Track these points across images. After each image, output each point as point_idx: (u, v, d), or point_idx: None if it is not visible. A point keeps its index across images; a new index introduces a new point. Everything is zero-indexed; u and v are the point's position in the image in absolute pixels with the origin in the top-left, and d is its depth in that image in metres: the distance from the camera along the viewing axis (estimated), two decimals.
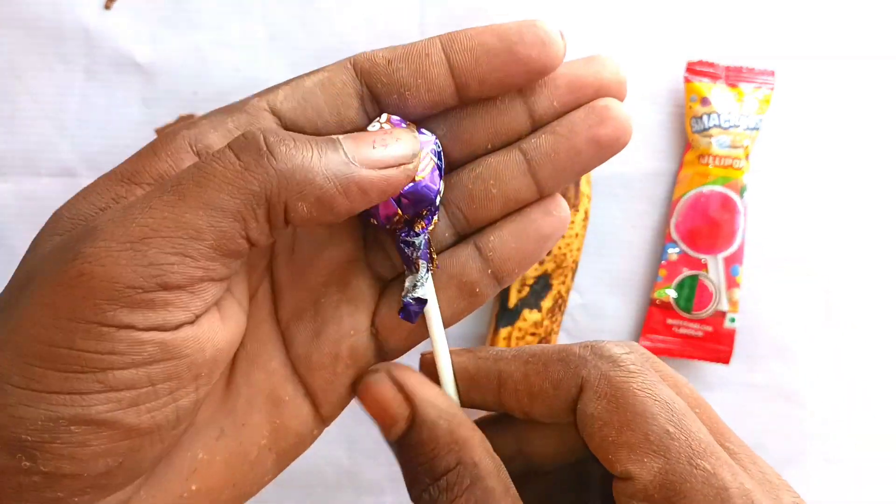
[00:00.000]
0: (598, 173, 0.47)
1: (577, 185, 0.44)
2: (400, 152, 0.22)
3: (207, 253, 0.20)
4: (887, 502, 0.48)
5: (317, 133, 0.23)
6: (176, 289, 0.20)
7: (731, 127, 0.46)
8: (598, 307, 0.47)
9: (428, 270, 0.25)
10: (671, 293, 0.46)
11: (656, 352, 0.46)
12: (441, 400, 0.23)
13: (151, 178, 0.22)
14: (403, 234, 0.25)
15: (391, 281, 0.27)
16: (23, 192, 0.47)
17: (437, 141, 0.25)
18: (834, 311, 0.48)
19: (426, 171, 0.23)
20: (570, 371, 0.23)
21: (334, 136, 0.21)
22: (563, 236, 0.45)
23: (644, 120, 0.48)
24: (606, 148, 0.24)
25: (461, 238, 0.26)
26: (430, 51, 0.23)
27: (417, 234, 0.24)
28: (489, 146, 0.25)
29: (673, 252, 0.46)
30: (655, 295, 0.46)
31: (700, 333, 0.46)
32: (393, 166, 0.22)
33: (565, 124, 0.24)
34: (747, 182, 0.46)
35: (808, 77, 0.48)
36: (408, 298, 0.25)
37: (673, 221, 0.47)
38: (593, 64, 0.24)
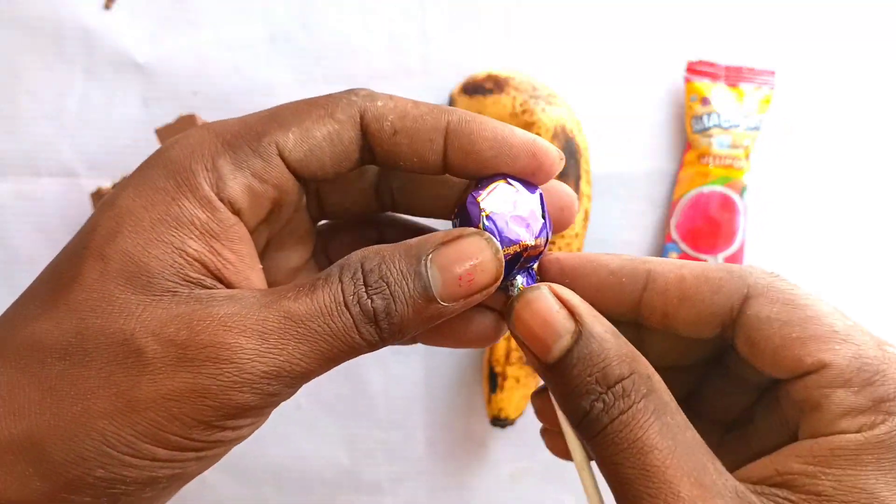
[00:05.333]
0: (598, 173, 0.47)
1: (577, 184, 0.44)
2: (483, 283, 0.23)
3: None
4: None
5: (314, 177, 0.24)
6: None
7: (731, 127, 0.46)
8: None
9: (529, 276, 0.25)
10: None
11: None
12: (601, 317, 0.23)
13: (197, 228, 0.22)
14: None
15: None
16: (23, 192, 0.47)
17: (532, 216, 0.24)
18: None
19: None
20: (734, 278, 0.23)
21: (423, 273, 0.22)
22: (563, 236, 0.45)
23: (644, 120, 0.48)
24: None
25: None
26: (433, 136, 0.24)
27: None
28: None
29: (673, 252, 0.46)
30: None
31: None
32: (476, 293, 0.23)
33: None
34: (747, 182, 0.46)
35: (808, 77, 0.48)
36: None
37: (673, 221, 0.47)
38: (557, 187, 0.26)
